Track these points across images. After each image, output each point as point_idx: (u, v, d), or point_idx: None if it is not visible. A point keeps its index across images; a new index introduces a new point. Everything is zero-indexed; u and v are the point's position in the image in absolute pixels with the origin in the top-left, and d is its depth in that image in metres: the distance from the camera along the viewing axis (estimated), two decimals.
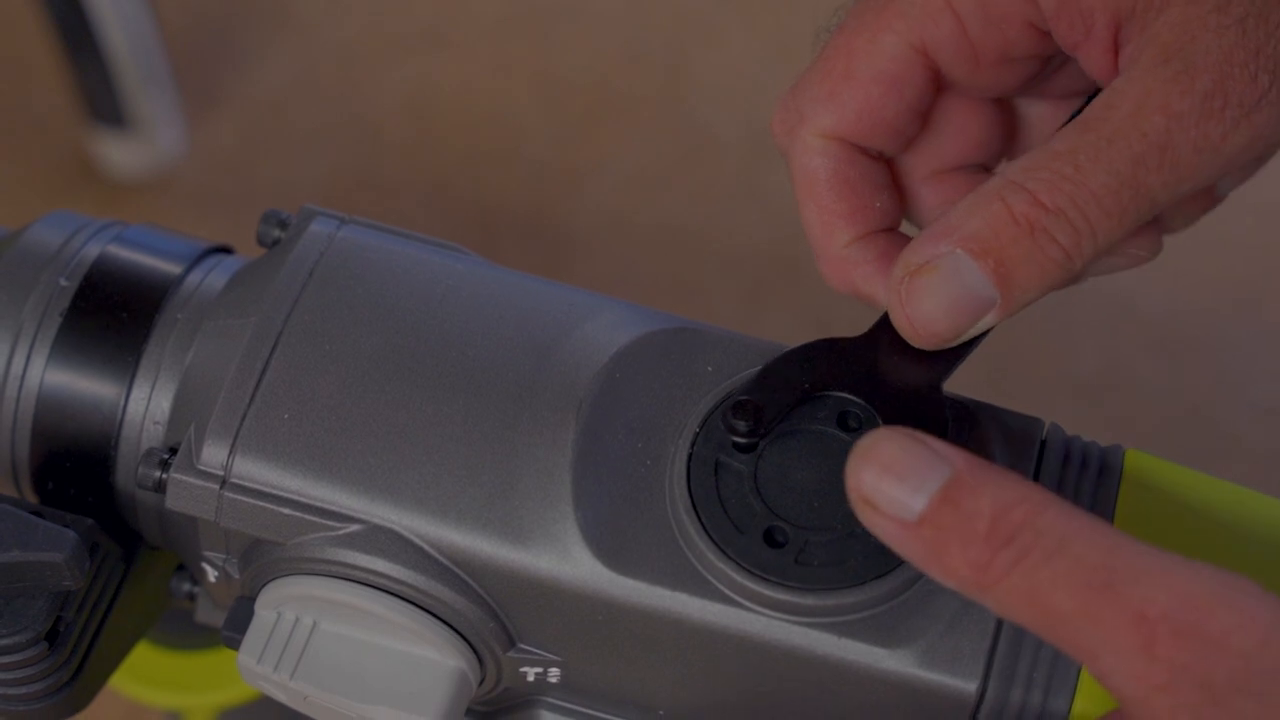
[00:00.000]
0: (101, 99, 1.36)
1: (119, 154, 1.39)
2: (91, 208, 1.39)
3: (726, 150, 1.42)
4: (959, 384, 0.53)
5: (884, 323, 0.52)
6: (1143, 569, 0.44)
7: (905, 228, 0.55)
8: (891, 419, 0.51)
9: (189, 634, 0.76)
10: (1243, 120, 0.49)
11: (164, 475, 0.52)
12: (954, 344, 0.51)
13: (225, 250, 0.59)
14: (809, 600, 0.49)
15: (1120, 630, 0.44)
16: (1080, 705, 0.49)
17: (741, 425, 0.50)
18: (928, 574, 0.46)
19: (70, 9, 1.30)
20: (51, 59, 1.38)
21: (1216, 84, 0.49)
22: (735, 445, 0.51)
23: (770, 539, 0.50)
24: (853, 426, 0.51)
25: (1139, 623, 0.44)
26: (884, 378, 0.51)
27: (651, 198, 1.40)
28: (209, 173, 1.42)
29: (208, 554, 0.54)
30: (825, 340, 0.52)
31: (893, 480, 0.46)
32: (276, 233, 0.57)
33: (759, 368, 0.52)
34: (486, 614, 0.52)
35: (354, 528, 0.51)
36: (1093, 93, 0.53)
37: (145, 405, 0.55)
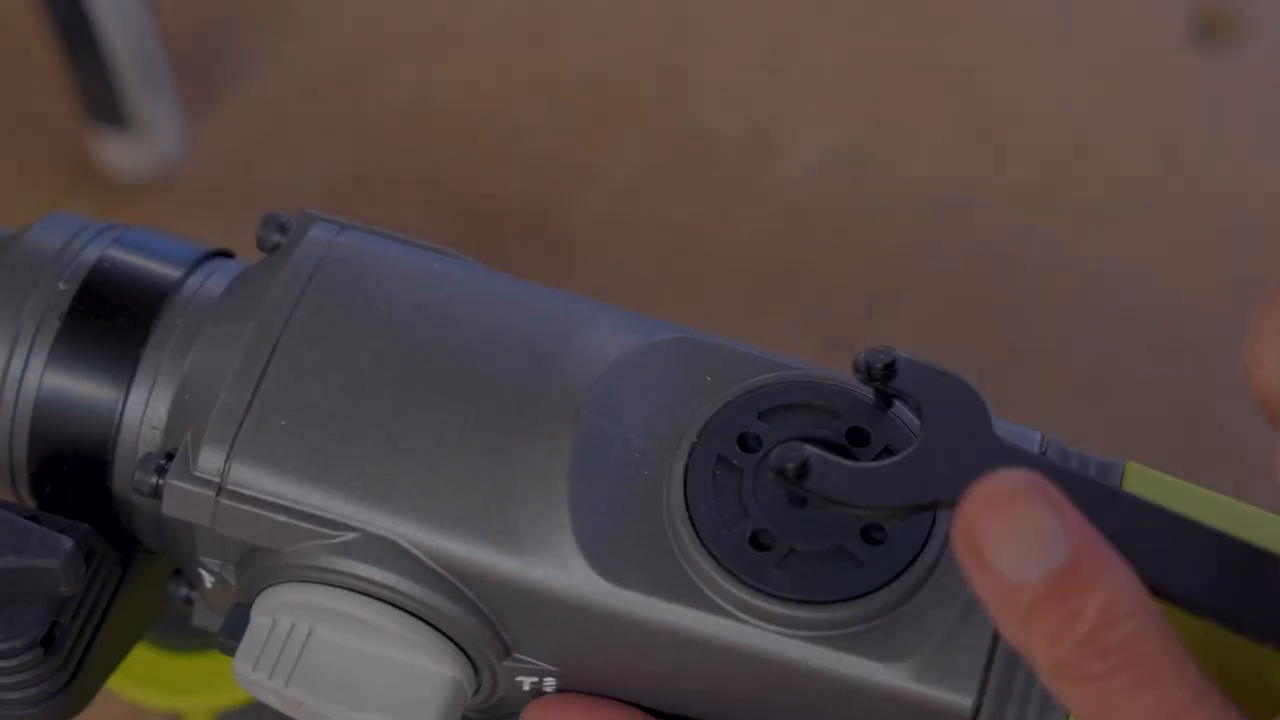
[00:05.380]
0: (101, 99, 1.35)
1: (119, 154, 1.39)
2: (92, 208, 1.38)
3: (726, 150, 1.41)
4: None
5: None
6: None
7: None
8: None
9: (187, 635, 0.76)
10: None
11: (160, 481, 0.52)
12: None
13: (225, 254, 0.59)
14: (804, 613, 0.49)
15: None
16: None
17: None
18: (998, 626, 0.44)
19: (70, 9, 1.30)
20: (51, 59, 1.38)
21: None
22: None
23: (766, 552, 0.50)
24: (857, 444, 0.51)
25: None
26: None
27: (651, 198, 1.40)
28: (209, 173, 1.42)
29: (204, 560, 0.54)
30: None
31: (1015, 539, 0.43)
32: (276, 237, 0.57)
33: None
34: (482, 623, 0.51)
35: (350, 536, 0.51)
36: None
37: (143, 410, 0.55)
